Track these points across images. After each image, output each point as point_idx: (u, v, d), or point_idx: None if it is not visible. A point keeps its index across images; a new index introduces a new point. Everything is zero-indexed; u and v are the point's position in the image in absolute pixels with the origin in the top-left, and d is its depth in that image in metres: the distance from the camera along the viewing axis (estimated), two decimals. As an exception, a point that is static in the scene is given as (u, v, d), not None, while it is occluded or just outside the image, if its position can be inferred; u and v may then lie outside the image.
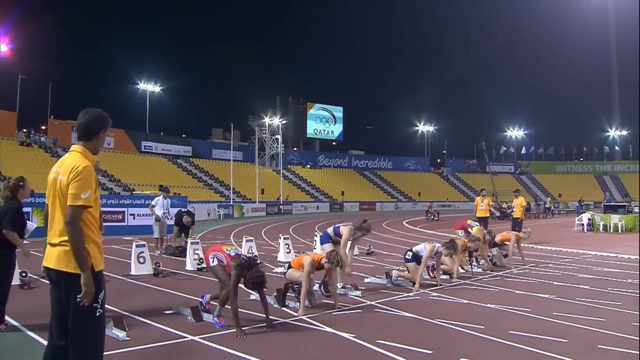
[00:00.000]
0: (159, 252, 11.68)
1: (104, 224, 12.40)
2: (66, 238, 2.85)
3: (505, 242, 9.98)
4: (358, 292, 7.10)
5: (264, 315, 5.49)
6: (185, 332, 5.11)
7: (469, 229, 9.81)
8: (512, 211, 16.08)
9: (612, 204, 25.65)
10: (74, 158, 2.98)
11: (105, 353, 4.36)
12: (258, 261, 10.06)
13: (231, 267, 5.51)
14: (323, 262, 6.23)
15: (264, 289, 5.60)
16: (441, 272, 8.28)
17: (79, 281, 2.81)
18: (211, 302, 5.85)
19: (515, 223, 14.98)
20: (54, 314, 3.01)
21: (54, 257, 2.92)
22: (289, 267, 6.71)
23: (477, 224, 9.89)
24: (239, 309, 5.70)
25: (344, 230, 7.42)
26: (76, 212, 2.85)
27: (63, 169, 2.94)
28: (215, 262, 5.77)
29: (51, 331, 3.04)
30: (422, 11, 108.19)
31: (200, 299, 5.94)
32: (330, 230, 7.78)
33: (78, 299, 2.80)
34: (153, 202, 12.37)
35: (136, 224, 18.19)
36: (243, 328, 5.15)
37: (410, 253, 7.91)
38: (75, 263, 2.83)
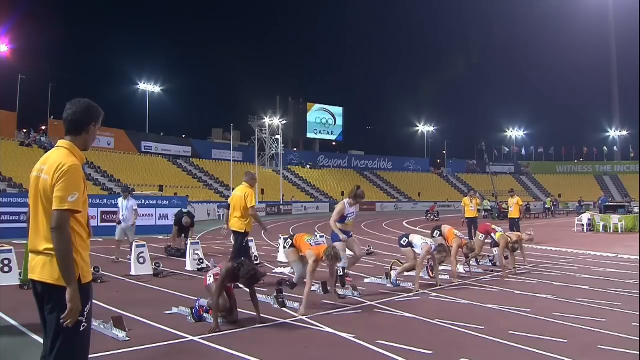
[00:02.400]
0: (115, 257, 10.61)
1: (105, 224, 12.42)
2: (51, 246, 2.54)
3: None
4: (357, 293, 7.10)
5: (266, 316, 5.48)
6: (185, 332, 5.11)
7: (492, 234, 9.64)
8: (508, 211, 16.08)
9: (607, 204, 25.66)
10: (59, 155, 2.65)
11: (105, 353, 4.40)
12: (258, 261, 10.12)
13: (223, 267, 5.52)
14: (324, 259, 6.27)
15: (255, 286, 5.59)
16: (440, 272, 8.28)
17: (64, 295, 2.51)
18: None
19: (513, 223, 14.95)
20: (43, 329, 2.68)
21: (39, 267, 2.59)
22: (292, 245, 6.70)
23: (502, 229, 9.74)
24: (239, 310, 5.71)
25: (337, 206, 7.59)
26: (63, 217, 2.52)
27: (47, 167, 2.62)
28: (212, 280, 5.65)
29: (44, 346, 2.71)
30: (422, 11, 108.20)
31: (195, 302, 5.81)
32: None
33: (62, 318, 2.51)
34: (118, 205, 11.29)
35: (136, 224, 18.19)
36: (243, 328, 5.15)
37: (406, 239, 7.93)
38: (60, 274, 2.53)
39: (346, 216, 7.54)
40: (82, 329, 2.59)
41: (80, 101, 2.77)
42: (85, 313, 2.60)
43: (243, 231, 7.84)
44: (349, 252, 7.74)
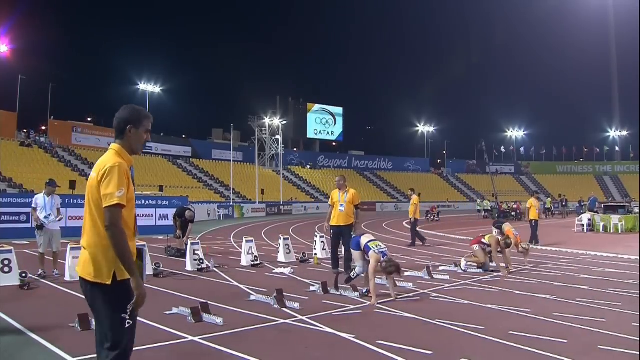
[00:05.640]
0: (40, 272, 8.60)
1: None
2: (92, 243, 2.68)
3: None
4: (357, 294, 7.10)
5: (266, 316, 5.48)
6: (185, 333, 5.11)
7: (483, 240, 9.66)
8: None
9: (608, 204, 25.60)
10: (107, 155, 2.82)
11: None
12: (258, 262, 10.13)
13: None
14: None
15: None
16: (440, 272, 8.27)
17: (101, 291, 2.65)
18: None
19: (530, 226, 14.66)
20: (95, 323, 2.83)
21: (81, 262, 2.72)
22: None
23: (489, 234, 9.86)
24: (240, 310, 5.71)
25: (372, 257, 6.92)
26: (114, 213, 2.61)
27: (95, 167, 2.78)
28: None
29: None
30: (422, 11, 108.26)
31: None
32: (363, 241, 7.26)
33: (130, 306, 2.65)
34: (33, 204, 8.86)
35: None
36: (243, 329, 5.16)
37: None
38: (99, 271, 2.64)
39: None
40: (126, 325, 2.67)
41: (126, 107, 2.94)
42: (128, 310, 2.68)
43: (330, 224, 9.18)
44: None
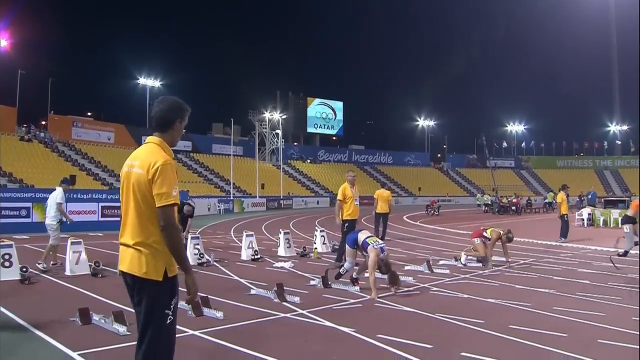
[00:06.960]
0: (43, 265, 8.80)
1: (105, 219, 12.38)
2: (140, 240, 2.64)
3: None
4: (357, 288, 7.12)
5: (266, 310, 5.49)
6: (186, 327, 5.12)
7: (484, 233, 9.65)
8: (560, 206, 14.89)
9: (608, 198, 25.58)
10: (151, 150, 2.74)
11: (106, 347, 4.41)
12: (258, 256, 10.15)
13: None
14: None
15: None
16: (440, 266, 8.29)
17: (151, 287, 2.64)
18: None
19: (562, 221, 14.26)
20: (137, 318, 2.79)
21: (128, 259, 2.69)
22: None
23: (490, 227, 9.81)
24: (240, 304, 5.72)
25: (372, 251, 6.94)
26: (170, 213, 2.61)
27: (139, 162, 2.70)
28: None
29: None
30: (423, 6, 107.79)
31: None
32: (360, 237, 7.24)
33: (186, 302, 2.66)
34: (59, 199, 9.09)
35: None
36: (243, 323, 5.17)
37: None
38: (151, 267, 2.63)
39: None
40: (168, 321, 2.70)
41: (167, 99, 2.87)
42: (172, 307, 2.70)
43: (343, 219, 9.50)
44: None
